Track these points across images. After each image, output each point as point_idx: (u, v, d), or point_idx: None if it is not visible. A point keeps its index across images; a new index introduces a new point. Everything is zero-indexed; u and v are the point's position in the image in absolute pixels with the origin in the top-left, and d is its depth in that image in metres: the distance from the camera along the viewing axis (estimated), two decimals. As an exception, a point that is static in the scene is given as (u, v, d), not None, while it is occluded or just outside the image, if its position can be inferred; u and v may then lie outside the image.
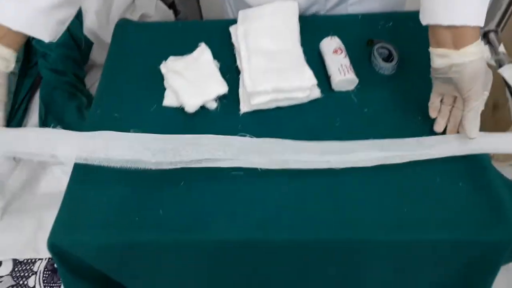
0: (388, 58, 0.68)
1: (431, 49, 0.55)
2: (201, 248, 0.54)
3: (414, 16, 0.68)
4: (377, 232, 0.50)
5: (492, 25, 0.68)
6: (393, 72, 0.67)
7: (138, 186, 0.57)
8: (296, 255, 0.54)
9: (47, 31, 0.59)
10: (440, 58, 0.53)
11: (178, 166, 0.55)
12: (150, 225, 0.53)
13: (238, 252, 0.54)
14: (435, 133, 0.59)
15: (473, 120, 0.53)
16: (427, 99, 0.61)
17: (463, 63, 0.51)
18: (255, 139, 0.57)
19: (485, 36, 0.67)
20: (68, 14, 0.62)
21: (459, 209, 0.51)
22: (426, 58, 0.69)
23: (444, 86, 0.57)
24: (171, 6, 1.40)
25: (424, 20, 0.54)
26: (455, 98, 0.58)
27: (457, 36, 0.51)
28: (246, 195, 0.55)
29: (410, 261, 0.54)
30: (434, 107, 0.59)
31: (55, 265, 0.74)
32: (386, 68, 0.67)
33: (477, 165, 0.56)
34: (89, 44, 1.04)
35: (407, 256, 0.53)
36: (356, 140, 0.58)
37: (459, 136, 0.56)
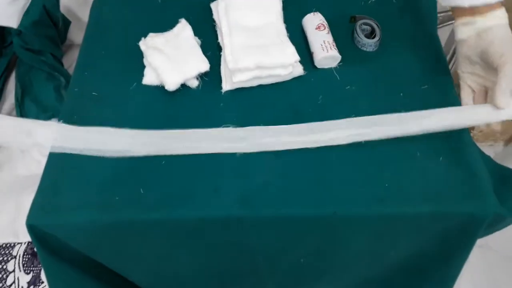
0: (370, 35, 0.68)
1: (455, 21, 0.53)
2: (183, 226, 0.54)
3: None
4: (359, 206, 0.51)
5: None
6: (376, 49, 0.67)
7: (118, 166, 0.56)
8: (277, 231, 0.54)
9: (13, 18, 0.61)
10: (466, 26, 0.52)
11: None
12: (130, 204, 0.53)
13: (220, 230, 0.54)
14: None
15: (506, 88, 0.49)
16: (409, 75, 0.61)
17: (491, 27, 0.50)
18: (238, 129, 0.57)
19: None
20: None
21: (438, 183, 0.52)
22: (409, 35, 0.69)
23: (472, 75, 0.54)
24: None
25: (444, 1, 0.53)
26: (486, 92, 0.55)
27: (480, 10, 0.50)
28: (228, 172, 0.55)
29: (390, 234, 0.55)
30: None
31: (35, 249, 0.73)
32: (368, 44, 0.66)
33: (457, 141, 0.57)
34: (66, 22, 1.01)
35: (388, 229, 0.54)
36: (338, 117, 0.58)
37: (439, 111, 0.56)
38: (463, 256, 0.55)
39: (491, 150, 1.20)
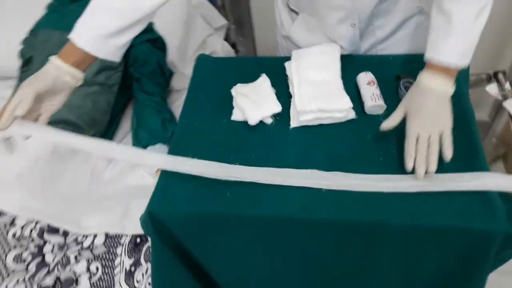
0: (412, 90, 0.84)
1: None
2: (256, 223, 0.72)
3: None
4: (396, 217, 0.65)
5: (502, 67, 0.82)
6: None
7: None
8: (330, 235, 0.70)
9: (111, 53, 0.73)
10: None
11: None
12: (219, 201, 0.72)
13: (284, 228, 0.71)
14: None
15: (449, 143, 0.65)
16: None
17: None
18: (325, 173, 0.71)
19: (495, 75, 0.81)
20: (129, 38, 0.74)
21: (459, 202, 0.65)
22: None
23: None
24: (233, 46, 1.67)
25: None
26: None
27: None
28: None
29: (420, 246, 0.67)
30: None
31: (138, 239, 0.94)
32: (410, 98, 0.83)
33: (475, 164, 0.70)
34: (171, 73, 1.31)
35: (415, 242, 0.67)
36: (381, 152, 0.74)
37: (487, 175, 0.66)
38: (482, 274, 0.66)
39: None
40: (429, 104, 0.69)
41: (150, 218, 0.74)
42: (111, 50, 0.73)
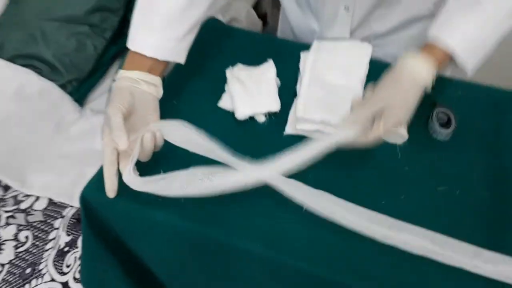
0: (446, 124, 0.67)
1: None
2: (205, 245, 0.57)
3: (486, 91, 0.67)
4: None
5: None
6: (447, 140, 0.66)
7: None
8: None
9: (183, 54, 0.68)
10: None
11: None
12: (167, 207, 0.57)
13: (238, 259, 0.56)
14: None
15: None
16: (470, 178, 0.59)
17: None
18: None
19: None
20: (194, 36, 0.70)
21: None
22: (486, 140, 0.66)
23: None
24: (264, 17, 1.47)
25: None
26: None
27: None
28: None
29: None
30: None
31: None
32: (440, 133, 0.65)
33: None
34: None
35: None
36: (388, 195, 0.58)
37: None
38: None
39: None
40: (412, 100, 0.59)
41: (83, 204, 0.60)
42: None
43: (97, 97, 1.04)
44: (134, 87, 0.60)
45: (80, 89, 1.01)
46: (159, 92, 0.65)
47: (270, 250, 0.54)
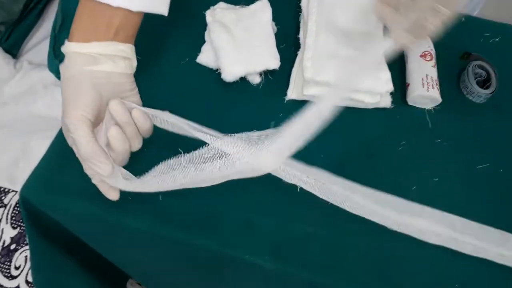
0: (484, 82, 0.54)
1: None
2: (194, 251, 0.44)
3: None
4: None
5: None
6: (485, 102, 0.54)
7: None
8: None
9: (165, 4, 0.45)
10: None
11: None
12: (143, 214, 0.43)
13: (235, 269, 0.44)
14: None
15: None
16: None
17: None
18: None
19: None
20: None
21: None
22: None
23: None
24: None
25: None
26: None
27: None
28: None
29: None
30: None
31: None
32: (478, 94, 0.53)
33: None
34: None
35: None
36: (417, 176, 0.46)
37: None
38: None
39: None
40: None
41: (23, 204, 0.44)
42: None
43: (34, 45, 0.82)
44: (96, 76, 0.40)
45: (11, 35, 0.78)
46: (133, 66, 0.45)
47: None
